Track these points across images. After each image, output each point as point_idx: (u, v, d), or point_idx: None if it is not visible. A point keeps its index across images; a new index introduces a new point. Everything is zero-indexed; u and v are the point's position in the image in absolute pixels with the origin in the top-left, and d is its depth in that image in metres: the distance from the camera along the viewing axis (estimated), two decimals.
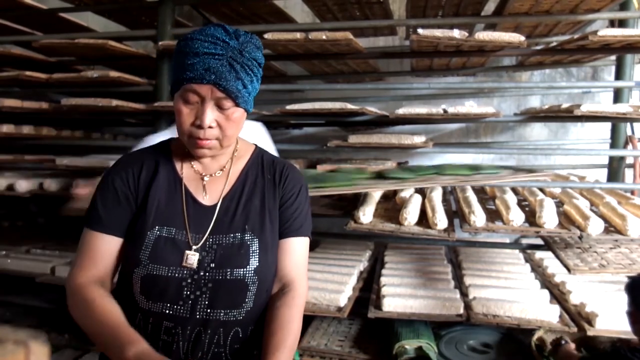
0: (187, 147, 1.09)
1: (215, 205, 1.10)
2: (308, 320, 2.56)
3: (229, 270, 1.05)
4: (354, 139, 2.79)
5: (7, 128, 2.93)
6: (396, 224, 2.44)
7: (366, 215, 2.47)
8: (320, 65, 3.69)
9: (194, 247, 1.05)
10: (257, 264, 1.07)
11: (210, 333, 1.04)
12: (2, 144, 3.21)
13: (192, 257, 1.04)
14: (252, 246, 1.07)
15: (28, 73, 2.91)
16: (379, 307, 2.26)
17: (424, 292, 2.35)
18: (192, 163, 1.13)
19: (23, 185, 2.84)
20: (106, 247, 1.08)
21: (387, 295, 2.28)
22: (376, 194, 2.81)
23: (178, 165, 1.13)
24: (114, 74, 2.87)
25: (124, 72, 3.01)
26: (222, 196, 1.11)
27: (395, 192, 2.92)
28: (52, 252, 3.03)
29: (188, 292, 1.03)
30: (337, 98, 2.90)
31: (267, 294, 1.11)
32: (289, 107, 2.68)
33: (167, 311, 1.03)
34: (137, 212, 1.08)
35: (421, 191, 2.93)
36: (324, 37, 2.49)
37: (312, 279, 2.44)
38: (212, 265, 1.05)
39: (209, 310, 1.04)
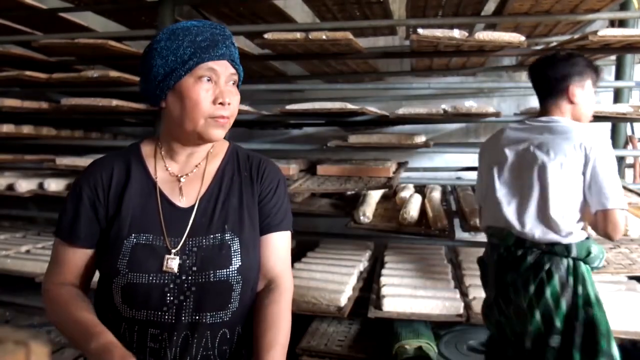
0: (192, 135, 1.05)
1: (192, 207, 1.07)
2: (308, 320, 2.56)
3: (212, 272, 1.03)
4: (353, 139, 2.79)
5: (7, 128, 2.94)
6: (396, 224, 2.44)
7: (366, 215, 2.47)
8: (320, 65, 3.69)
9: (173, 251, 1.03)
10: (240, 263, 1.05)
11: (197, 337, 1.02)
12: (2, 143, 3.22)
13: (172, 262, 1.01)
14: (233, 246, 1.05)
15: (28, 73, 2.91)
16: (379, 307, 2.26)
17: (424, 292, 2.35)
18: (167, 164, 1.10)
19: (23, 185, 2.84)
20: (75, 258, 1.07)
21: (387, 296, 2.28)
22: (376, 194, 2.81)
23: (151, 168, 1.09)
24: (113, 73, 2.88)
25: (123, 72, 3.02)
26: (199, 197, 1.08)
27: (395, 192, 2.92)
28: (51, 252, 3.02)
29: (172, 298, 1.01)
30: (337, 98, 2.90)
31: (252, 292, 1.10)
32: (288, 107, 2.68)
33: (152, 318, 1.01)
34: (110, 220, 1.05)
35: (421, 191, 2.93)
36: (324, 37, 2.49)
37: (312, 279, 2.44)
38: (194, 268, 1.02)
39: (194, 314, 1.02)
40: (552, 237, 1.67)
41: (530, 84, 1.91)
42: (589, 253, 1.66)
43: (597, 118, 2.61)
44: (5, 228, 3.58)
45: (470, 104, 2.70)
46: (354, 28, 3.01)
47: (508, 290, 1.72)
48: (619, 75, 3.09)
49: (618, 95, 3.07)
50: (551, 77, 1.77)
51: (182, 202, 1.07)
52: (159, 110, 1.10)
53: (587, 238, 1.70)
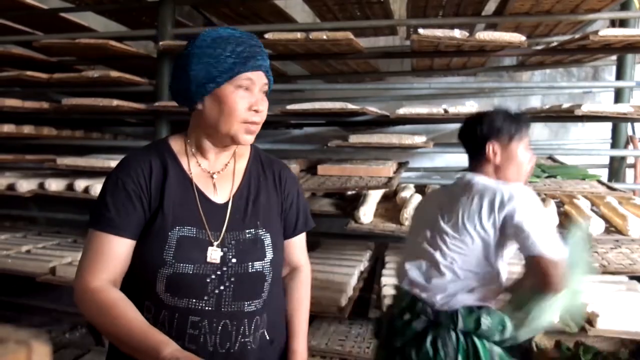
0: (225, 137, 1.11)
1: (227, 203, 1.14)
2: (309, 320, 2.56)
3: (249, 264, 1.11)
4: (354, 138, 2.79)
5: (8, 128, 2.94)
6: (397, 224, 2.44)
7: (367, 215, 2.47)
8: (320, 65, 3.69)
9: (215, 243, 1.10)
10: (272, 256, 1.15)
11: (236, 324, 1.10)
12: (3, 143, 3.22)
13: (215, 253, 1.09)
14: (265, 240, 1.14)
15: (29, 73, 2.92)
16: (379, 307, 2.26)
17: None
18: (199, 161, 1.16)
19: (24, 185, 2.84)
20: (118, 250, 1.08)
21: (387, 296, 2.28)
22: (376, 194, 2.81)
23: (185, 164, 1.15)
24: (114, 74, 2.88)
25: (124, 72, 3.02)
26: (232, 194, 1.15)
27: (395, 192, 2.92)
28: (52, 252, 3.03)
29: (213, 287, 1.08)
30: (338, 98, 2.90)
31: (278, 282, 1.20)
32: (289, 107, 2.68)
33: (193, 306, 1.07)
34: (154, 212, 1.09)
35: (422, 191, 2.93)
36: (324, 37, 2.49)
37: (313, 278, 2.41)
38: (234, 260, 1.10)
39: (233, 303, 1.09)
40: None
41: (531, 84, 1.90)
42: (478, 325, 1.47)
43: (598, 118, 2.62)
44: (6, 228, 3.58)
45: (471, 104, 2.70)
46: (354, 28, 3.01)
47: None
48: (619, 75, 3.09)
49: (619, 95, 3.07)
50: (470, 137, 1.66)
51: (217, 198, 1.14)
52: (190, 111, 1.15)
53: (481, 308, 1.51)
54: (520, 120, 1.62)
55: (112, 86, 3.05)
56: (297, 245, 1.28)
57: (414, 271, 1.58)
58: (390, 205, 2.81)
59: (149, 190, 1.10)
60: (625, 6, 2.88)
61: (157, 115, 2.97)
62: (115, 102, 2.77)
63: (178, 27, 3.17)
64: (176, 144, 1.17)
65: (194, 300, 1.07)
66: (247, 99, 1.09)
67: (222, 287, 1.08)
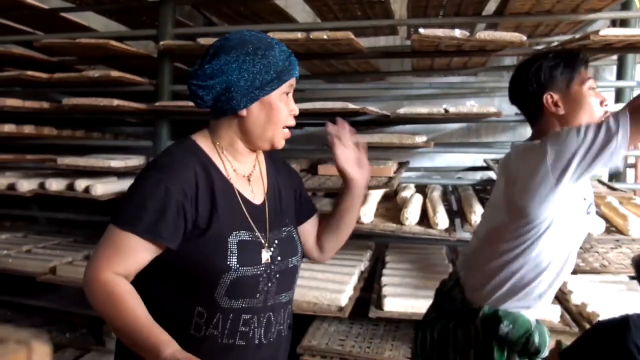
0: (267, 141, 1.15)
1: (263, 203, 1.19)
2: (309, 319, 2.56)
3: (289, 259, 1.18)
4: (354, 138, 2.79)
5: (8, 128, 2.94)
6: (397, 224, 2.44)
7: (367, 215, 2.47)
8: (321, 65, 3.69)
9: (266, 244, 1.14)
10: (301, 249, 1.23)
11: (275, 315, 1.16)
12: (3, 143, 3.22)
13: (267, 254, 1.13)
14: (294, 236, 1.22)
15: (29, 73, 2.91)
16: (380, 307, 2.26)
17: (425, 292, 2.35)
18: (233, 165, 1.17)
19: (24, 184, 2.84)
20: (145, 253, 1.05)
21: (388, 295, 2.28)
22: (377, 194, 2.81)
23: (222, 168, 1.14)
24: (115, 73, 2.88)
25: (125, 71, 3.02)
26: (266, 195, 1.20)
27: (396, 192, 2.92)
28: (53, 252, 3.03)
29: (263, 285, 1.12)
30: (338, 98, 2.90)
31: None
32: None
33: (246, 305, 1.11)
34: (207, 221, 1.08)
35: (422, 191, 2.93)
36: (325, 36, 2.49)
37: (313, 278, 2.44)
38: (279, 258, 1.15)
39: (275, 297, 1.15)
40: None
41: None
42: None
43: None
44: (7, 228, 3.59)
45: (472, 104, 2.70)
46: (355, 28, 3.01)
47: None
48: (620, 75, 3.09)
49: (619, 95, 3.07)
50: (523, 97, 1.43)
51: (255, 200, 1.18)
52: (217, 116, 1.14)
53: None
54: (576, 58, 1.38)
55: (112, 86, 3.05)
56: (310, 232, 1.35)
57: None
58: (391, 205, 2.81)
59: (197, 199, 1.07)
60: (625, 6, 2.88)
61: (158, 115, 2.97)
62: (116, 102, 2.77)
63: (178, 26, 3.17)
64: (207, 148, 1.15)
65: (249, 300, 1.11)
66: (286, 105, 1.14)
67: (269, 285, 1.13)
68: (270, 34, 2.55)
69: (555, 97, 1.36)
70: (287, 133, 1.17)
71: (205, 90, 1.09)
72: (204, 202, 1.08)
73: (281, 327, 1.19)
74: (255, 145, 1.16)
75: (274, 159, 1.30)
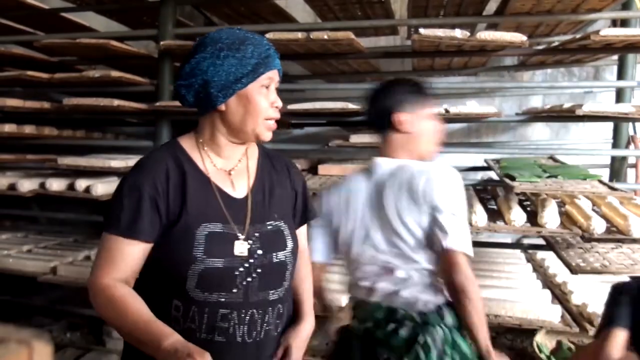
0: (250, 135, 1.16)
1: (246, 197, 1.18)
2: None
3: (273, 254, 1.16)
4: (355, 138, 2.79)
5: (9, 128, 2.94)
6: None
7: None
8: (321, 65, 3.69)
9: (242, 236, 1.13)
10: (292, 245, 1.20)
11: (262, 313, 1.14)
12: (4, 143, 3.22)
13: (242, 246, 1.12)
14: (284, 231, 1.20)
15: (30, 73, 2.92)
16: None
17: None
18: (213, 160, 1.18)
19: (25, 184, 2.84)
20: (131, 252, 1.10)
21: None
22: None
23: (200, 164, 1.17)
24: (115, 73, 2.88)
25: (125, 72, 3.02)
26: (250, 189, 1.19)
27: None
28: (53, 252, 3.03)
29: (241, 279, 1.11)
30: (339, 98, 2.90)
31: (295, 271, 1.26)
32: (290, 107, 2.68)
33: (223, 299, 1.10)
34: (177, 213, 1.11)
35: None
36: (325, 36, 2.49)
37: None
38: (259, 251, 1.14)
39: (259, 293, 1.13)
40: None
41: (532, 84, 1.86)
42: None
43: (600, 118, 2.61)
44: (7, 227, 3.59)
45: (472, 104, 2.70)
46: (355, 28, 3.00)
47: None
48: (620, 75, 3.08)
49: (620, 95, 3.07)
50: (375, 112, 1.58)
51: (236, 194, 1.18)
52: (200, 112, 1.17)
53: None
54: (422, 90, 1.59)
55: (113, 86, 3.05)
56: (303, 233, 1.34)
57: (378, 282, 1.48)
58: None
59: (167, 193, 1.11)
60: (626, 6, 2.88)
61: (158, 115, 2.96)
62: (116, 102, 2.77)
63: (179, 27, 3.17)
64: (188, 145, 1.19)
65: (224, 294, 1.10)
66: (268, 97, 1.15)
67: (249, 279, 1.12)
68: (271, 34, 2.57)
69: (403, 116, 1.52)
70: (271, 125, 1.17)
71: (187, 88, 1.14)
72: (175, 196, 1.11)
73: (270, 327, 1.16)
74: (237, 139, 1.17)
75: (275, 156, 1.30)
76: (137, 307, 1.06)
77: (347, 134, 2.88)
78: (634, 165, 3.21)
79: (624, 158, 3.11)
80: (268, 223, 1.18)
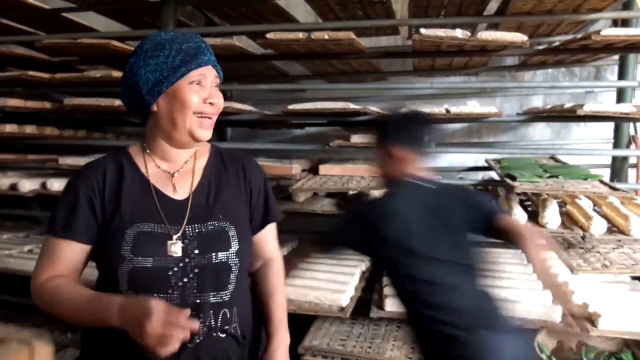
0: (183, 134, 1.14)
1: (187, 199, 1.17)
2: (310, 319, 2.56)
3: (213, 254, 1.12)
4: (356, 138, 2.79)
5: (10, 128, 2.94)
6: None
7: None
8: (322, 65, 3.69)
9: (175, 236, 1.11)
10: (238, 247, 1.16)
11: (202, 316, 1.11)
12: (5, 143, 3.22)
13: (175, 246, 1.10)
14: (230, 232, 1.16)
15: (31, 73, 2.92)
16: (381, 307, 2.26)
17: None
18: (157, 163, 1.20)
19: (26, 185, 2.85)
20: (69, 253, 1.12)
21: (389, 296, 2.27)
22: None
23: (142, 167, 1.19)
24: (116, 73, 2.88)
25: None
26: (192, 190, 1.18)
27: None
28: None
29: (176, 280, 1.09)
30: (339, 98, 2.90)
31: (246, 275, 1.23)
32: (291, 107, 2.68)
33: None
34: (110, 215, 1.12)
35: None
36: (326, 36, 2.49)
37: (315, 279, 2.44)
38: (196, 251, 1.11)
39: (198, 295, 1.10)
40: None
41: (533, 84, 1.86)
42: None
43: (601, 118, 2.61)
44: (8, 228, 3.59)
45: (473, 104, 2.70)
46: (356, 28, 3.00)
47: None
48: (621, 75, 3.08)
49: (621, 95, 3.06)
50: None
51: (177, 195, 1.17)
52: (144, 118, 1.19)
53: None
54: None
55: (114, 86, 3.04)
56: (268, 237, 1.31)
57: None
58: None
59: (103, 195, 1.13)
60: (627, 6, 2.87)
61: None
62: (117, 102, 2.77)
63: (180, 27, 3.17)
64: (134, 151, 1.22)
65: (159, 295, 1.07)
66: (200, 93, 1.13)
67: (185, 279, 1.10)
68: (272, 34, 2.57)
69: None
70: (204, 122, 1.15)
71: (125, 94, 1.17)
72: (110, 198, 1.14)
73: (212, 332, 1.11)
74: (175, 140, 1.17)
75: (230, 156, 1.28)
76: (74, 289, 1.07)
77: (348, 134, 2.87)
78: (635, 165, 3.21)
79: (624, 158, 3.11)
80: (210, 223, 1.15)
